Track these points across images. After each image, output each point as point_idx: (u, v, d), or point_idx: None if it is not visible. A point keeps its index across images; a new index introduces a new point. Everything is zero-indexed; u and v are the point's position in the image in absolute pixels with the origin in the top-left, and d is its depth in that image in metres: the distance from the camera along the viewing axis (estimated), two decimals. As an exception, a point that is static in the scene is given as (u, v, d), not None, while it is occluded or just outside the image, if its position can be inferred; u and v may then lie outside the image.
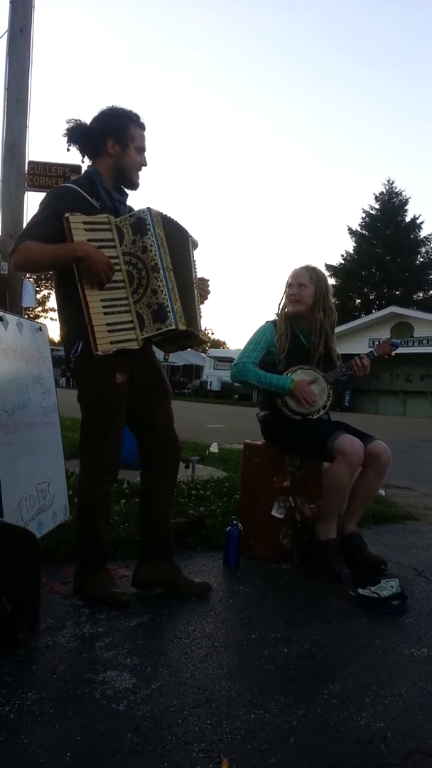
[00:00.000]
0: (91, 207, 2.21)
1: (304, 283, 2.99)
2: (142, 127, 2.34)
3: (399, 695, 1.70)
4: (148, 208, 2.17)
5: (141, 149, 2.33)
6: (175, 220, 2.30)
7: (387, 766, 1.37)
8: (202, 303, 2.47)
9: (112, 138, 2.28)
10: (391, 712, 1.61)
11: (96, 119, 2.31)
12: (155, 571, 2.38)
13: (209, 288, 2.51)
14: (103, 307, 2.14)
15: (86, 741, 1.39)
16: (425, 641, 2.09)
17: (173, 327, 2.13)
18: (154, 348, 2.45)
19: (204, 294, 2.48)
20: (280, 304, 3.07)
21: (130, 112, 2.32)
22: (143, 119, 2.35)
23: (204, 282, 2.49)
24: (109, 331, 2.14)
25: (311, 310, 3.00)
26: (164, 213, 2.24)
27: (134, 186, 2.38)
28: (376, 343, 3.19)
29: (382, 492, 4.63)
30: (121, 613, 2.15)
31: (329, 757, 1.39)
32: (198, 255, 2.49)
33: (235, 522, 2.85)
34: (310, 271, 3.04)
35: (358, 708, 1.62)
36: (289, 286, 3.03)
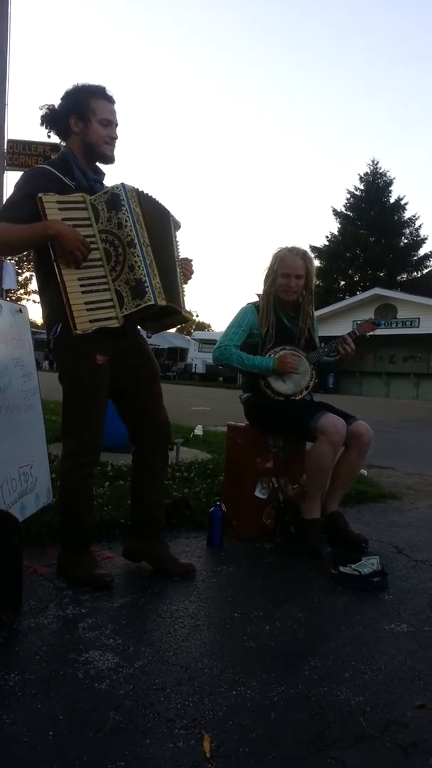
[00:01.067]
0: (66, 187, 2.19)
1: (301, 274, 2.98)
2: (108, 99, 2.28)
3: (378, 670, 1.74)
4: (122, 184, 2.14)
5: (106, 122, 2.26)
6: (153, 197, 2.27)
7: (366, 737, 1.40)
8: (186, 282, 2.44)
9: (74, 116, 2.25)
10: (371, 687, 1.64)
11: (61, 100, 2.28)
12: (143, 544, 2.42)
13: (193, 268, 2.49)
14: (81, 285, 2.12)
15: (69, 720, 1.40)
16: (405, 617, 2.13)
17: (152, 302, 2.10)
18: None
19: (187, 274, 2.46)
20: (266, 288, 3.01)
21: (94, 86, 2.27)
22: (111, 91, 2.29)
23: (187, 262, 2.46)
24: (87, 309, 2.11)
25: (300, 297, 3.01)
26: (141, 189, 2.20)
27: (108, 159, 2.33)
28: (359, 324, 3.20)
29: (364, 472, 4.68)
30: (104, 594, 2.16)
31: (309, 730, 1.42)
32: (181, 236, 2.46)
33: (218, 503, 2.86)
34: (306, 260, 3.00)
35: (338, 683, 1.65)
36: (285, 276, 2.95)
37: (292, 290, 2.97)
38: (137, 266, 2.11)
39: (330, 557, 2.61)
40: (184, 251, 2.44)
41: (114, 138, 2.31)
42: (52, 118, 2.29)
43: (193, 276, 2.49)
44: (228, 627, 1.97)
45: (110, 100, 2.29)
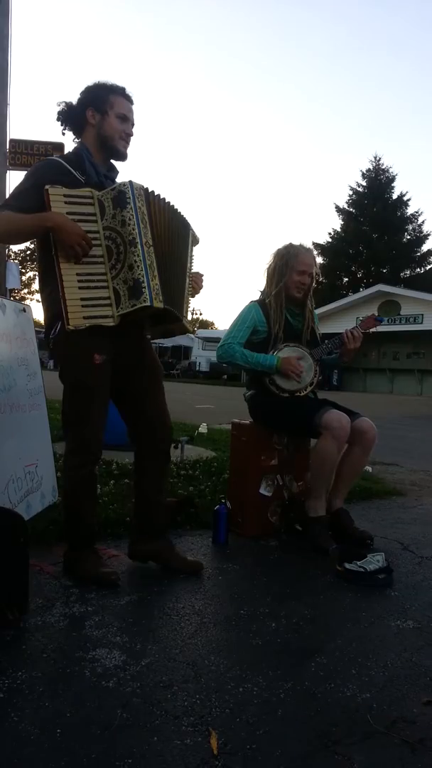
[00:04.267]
0: (75, 181, 2.17)
1: (314, 271, 2.98)
2: (127, 98, 2.29)
3: (384, 666, 1.74)
4: (130, 182, 2.12)
5: (123, 117, 2.27)
6: (170, 203, 2.24)
7: (372, 734, 1.40)
8: (193, 296, 2.44)
9: (91, 107, 2.25)
10: (377, 683, 1.64)
11: (79, 95, 2.28)
12: (149, 545, 2.41)
13: (202, 283, 2.48)
14: (79, 281, 2.10)
15: (76, 718, 1.40)
16: (410, 613, 2.13)
17: (147, 304, 2.06)
18: None
19: (196, 287, 2.46)
20: (276, 286, 2.97)
21: (115, 84, 2.29)
22: (130, 92, 2.31)
23: (198, 276, 2.46)
24: (83, 306, 2.09)
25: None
26: (152, 190, 2.17)
27: (121, 156, 2.33)
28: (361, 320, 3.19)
29: (368, 468, 4.68)
30: (110, 592, 2.17)
31: (316, 727, 1.42)
32: (198, 251, 2.46)
33: (223, 500, 2.87)
34: (315, 257, 3.03)
35: (345, 679, 1.65)
36: (300, 273, 2.94)
37: (306, 287, 2.97)
38: (136, 266, 2.08)
39: (335, 554, 2.61)
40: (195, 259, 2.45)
41: (129, 135, 2.31)
42: (68, 113, 2.28)
43: (201, 291, 2.49)
44: (234, 624, 1.98)
45: (129, 99, 2.31)
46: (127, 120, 2.29)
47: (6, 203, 2.14)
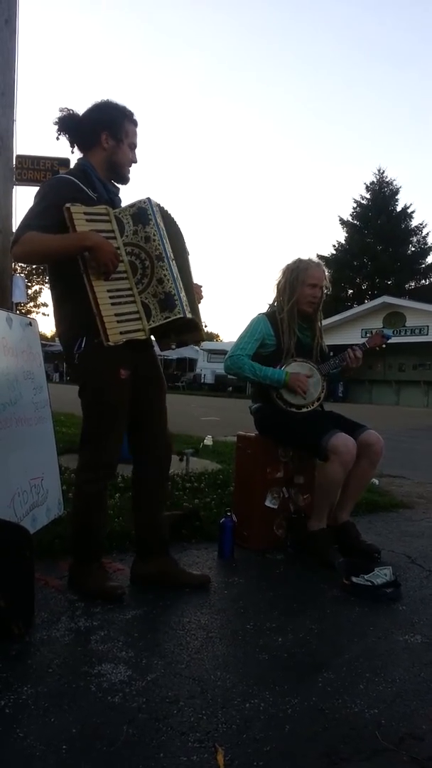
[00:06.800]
0: (89, 198, 2.19)
1: (326, 285, 3.00)
2: (135, 123, 2.33)
3: (393, 682, 1.72)
4: (149, 199, 2.16)
5: (134, 146, 2.32)
6: (172, 216, 2.29)
7: (381, 751, 1.38)
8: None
9: (107, 132, 2.25)
10: (385, 699, 1.62)
11: (90, 111, 2.28)
12: (152, 566, 2.39)
13: (202, 294, 2.51)
14: (110, 297, 2.13)
15: (82, 734, 1.39)
16: (418, 628, 2.11)
17: (182, 315, 2.13)
18: None
19: (197, 298, 2.48)
20: (287, 301, 2.97)
21: (125, 107, 2.31)
22: (136, 116, 2.34)
23: (198, 287, 2.48)
24: (118, 321, 2.13)
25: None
26: (162, 205, 2.24)
27: (125, 181, 2.38)
28: (369, 334, 3.20)
29: (375, 481, 4.66)
30: (116, 607, 2.16)
31: (324, 744, 1.40)
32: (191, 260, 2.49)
33: (229, 513, 2.86)
34: (325, 272, 3.04)
35: (353, 695, 1.63)
36: (312, 287, 2.95)
37: (317, 301, 2.99)
38: (166, 279, 2.13)
39: (342, 568, 2.59)
40: (194, 271, 2.47)
41: (135, 162, 2.36)
42: (73, 124, 2.27)
43: (202, 301, 2.51)
44: (240, 639, 1.96)
45: (136, 125, 2.34)
46: (135, 147, 2.34)
47: (28, 224, 2.10)
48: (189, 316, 2.17)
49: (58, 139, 2.30)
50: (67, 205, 2.07)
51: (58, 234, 2.07)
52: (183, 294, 2.18)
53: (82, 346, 2.19)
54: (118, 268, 2.14)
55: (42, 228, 2.07)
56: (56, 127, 2.28)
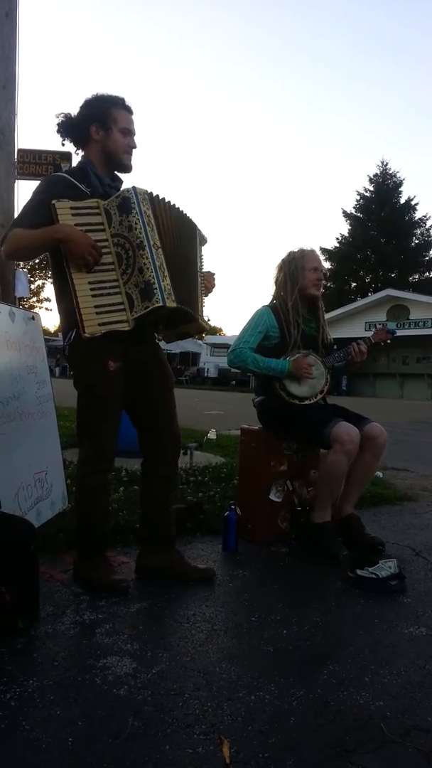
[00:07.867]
0: (82, 193, 2.20)
1: (324, 270, 3.02)
2: (127, 110, 2.31)
3: (398, 674, 1.72)
4: (133, 187, 2.14)
5: (127, 131, 2.30)
6: (174, 205, 2.26)
7: (386, 743, 1.38)
8: (206, 295, 2.45)
9: (96, 124, 2.27)
10: (390, 691, 1.62)
11: (81, 108, 2.30)
12: (157, 560, 2.40)
13: (215, 282, 2.49)
14: (91, 289, 2.12)
15: (87, 726, 1.40)
16: (423, 620, 2.11)
17: (160, 304, 2.07)
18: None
19: (209, 286, 2.46)
20: (289, 293, 2.97)
21: (114, 96, 2.30)
22: (129, 102, 2.32)
23: (210, 275, 2.47)
24: (97, 313, 2.11)
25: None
26: (156, 194, 2.19)
27: (126, 168, 2.36)
28: (373, 327, 3.19)
29: (379, 474, 4.65)
30: (121, 600, 2.16)
31: (329, 736, 1.40)
32: (206, 250, 2.47)
33: (233, 507, 2.85)
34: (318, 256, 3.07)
35: (358, 687, 1.63)
36: (314, 270, 2.97)
37: (320, 283, 3.03)
38: (146, 268, 2.10)
39: (347, 560, 2.59)
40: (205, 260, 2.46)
41: (133, 147, 2.33)
42: (69, 126, 2.30)
43: (214, 289, 2.50)
44: (245, 631, 1.96)
45: (129, 111, 2.33)
46: (129, 133, 2.31)
47: (17, 222, 2.18)
48: (171, 304, 2.10)
49: (63, 144, 2.34)
50: (53, 201, 2.10)
51: (44, 228, 2.10)
52: (166, 282, 2.12)
53: (72, 338, 2.21)
54: (106, 259, 2.14)
55: (29, 226, 2.12)
56: (59, 134, 2.31)
